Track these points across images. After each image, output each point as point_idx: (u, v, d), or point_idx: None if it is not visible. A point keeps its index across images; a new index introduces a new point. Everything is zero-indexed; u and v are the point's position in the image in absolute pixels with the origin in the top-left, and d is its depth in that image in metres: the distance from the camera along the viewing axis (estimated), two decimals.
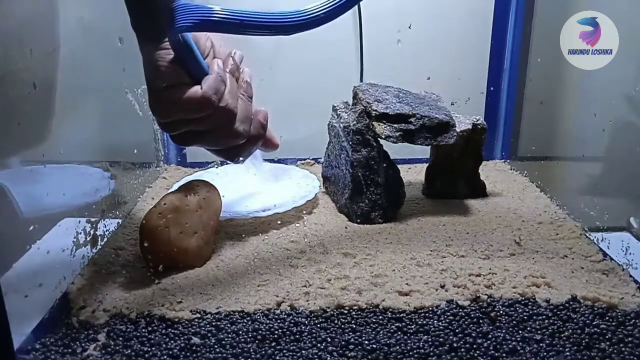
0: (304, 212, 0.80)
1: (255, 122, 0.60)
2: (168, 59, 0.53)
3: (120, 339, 0.51)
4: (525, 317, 0.54)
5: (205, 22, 0.52)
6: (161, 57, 0.53)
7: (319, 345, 0.51)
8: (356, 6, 0.96)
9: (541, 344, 0.51)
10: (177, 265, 0.63)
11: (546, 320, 0.54)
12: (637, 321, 0.54)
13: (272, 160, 0.96)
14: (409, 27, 0.98)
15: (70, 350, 0.50)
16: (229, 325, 0.53)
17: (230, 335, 0.51)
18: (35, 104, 0.59)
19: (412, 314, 0.55)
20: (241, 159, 0.63)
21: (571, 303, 0.56)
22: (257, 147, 0.62)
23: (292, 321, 0.53)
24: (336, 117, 0.82)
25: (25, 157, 0.59)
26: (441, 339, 0.51)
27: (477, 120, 0.83)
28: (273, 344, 0.51)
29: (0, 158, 0.56)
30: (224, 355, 0.49)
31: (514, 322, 0.54)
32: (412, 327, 0.53)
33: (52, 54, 0.64)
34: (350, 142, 0.75)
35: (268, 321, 0.53)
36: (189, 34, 0.54)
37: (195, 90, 0.54)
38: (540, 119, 0.98)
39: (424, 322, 0.53)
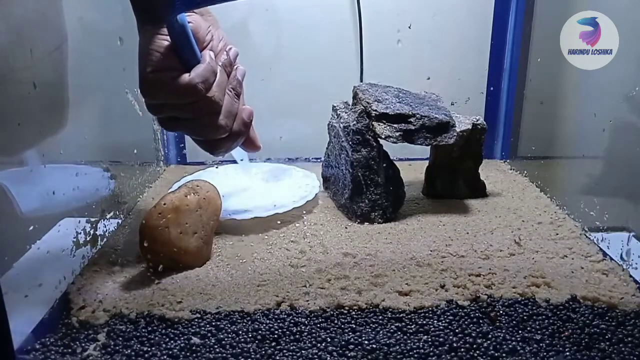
0: (304, 212, 0.80)
1: (239, 119, 0.60)
2: (164, 44, 0.54)
3: (120, 339, 0.51)
4: (525, 317, 0.54)
5: None
6: (157, 41, 0.54)
7: (318, 345, 0.51)
8: (356, 6, 0.97)
9: (541, 344, 0.51)
10: (177, 265, 0.63)
11: (546, 320, 0.54)
12: (637, 321, 0.54)
13: (272, 161, 0.96)
14: (409, 27, 0.98)
15: (70, 350, 0.50)
16: (229, 325, 0.53)
17: (230, 335, 0.51)
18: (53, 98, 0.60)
19: (412, 314, 0.55)
20: (219, 154, 0.63)
21: (571, 303, 0.56)
22: (237, 144, 0.62)
23: (292, 321, 0.53)
24: (336, 117, 0.82)
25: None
26: (441, 339, 0.51)
27: (477, 120, 0.83)
28: (273, 344, 0.51)
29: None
30: (224, 355, 0.49)
31: (514, 322, 0.54)
32: (412, 327, 0.53)
33: (60, 53, 0.65)
34: (350, 142, 0.75)
35: (268, 321, 0.53)
36: (188, 24, 0.55)
37: (184, 76, 0.54)
38: (540, 119, 0.98)
39: (424, 322, 0.53)
